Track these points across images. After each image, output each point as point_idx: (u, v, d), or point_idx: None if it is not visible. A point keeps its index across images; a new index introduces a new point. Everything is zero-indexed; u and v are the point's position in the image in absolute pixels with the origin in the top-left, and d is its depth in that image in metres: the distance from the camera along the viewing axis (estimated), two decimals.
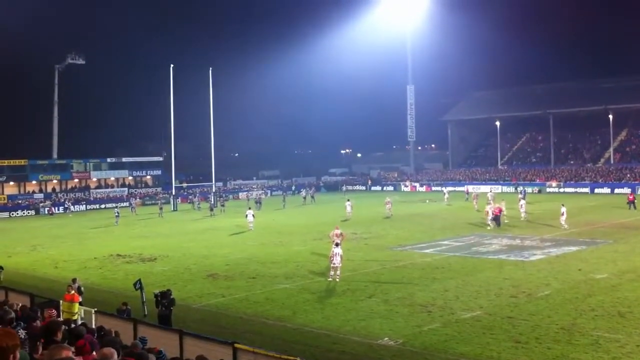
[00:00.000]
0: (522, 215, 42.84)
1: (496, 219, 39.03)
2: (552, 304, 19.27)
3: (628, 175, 70.63)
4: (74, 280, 19.84)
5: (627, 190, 65.43)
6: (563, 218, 37.35)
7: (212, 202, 60.26)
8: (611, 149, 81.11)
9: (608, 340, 15.47)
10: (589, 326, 16.74)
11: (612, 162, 79.07)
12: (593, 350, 14.74)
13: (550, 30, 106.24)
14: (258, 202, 61.78)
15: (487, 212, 40.00)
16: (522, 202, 44.62)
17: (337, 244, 24.67)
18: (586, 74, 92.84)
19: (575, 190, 70.30)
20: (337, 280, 23.62)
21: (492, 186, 74.91)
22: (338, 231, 29.14)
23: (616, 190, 67.22)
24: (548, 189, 71.91)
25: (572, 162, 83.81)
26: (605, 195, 65.71)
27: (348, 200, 50.85)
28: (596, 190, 68.75)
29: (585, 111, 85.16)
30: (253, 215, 43.36)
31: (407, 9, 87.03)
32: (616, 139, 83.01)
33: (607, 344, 15.19)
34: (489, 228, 38.37)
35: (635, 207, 47.52)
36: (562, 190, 71.15)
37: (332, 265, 23.99)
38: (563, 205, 38.90)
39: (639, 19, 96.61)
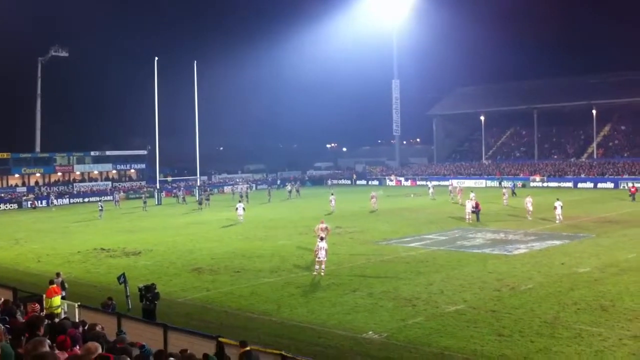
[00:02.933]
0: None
1: (476, 213, 39.22)
2: (535, 297, 19.41)
3: (611, 170, 71.30)
4: (57, 275, 19.69)
5: (609, 185, 66.61)
6: (557, 212, 37.37)
7: (199, 197, 60.03)
8: (594, 144, 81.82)
9: (590, 333, 15.60)
10: (571, 319, 16.88)
11: (595, 157, 79.79)
12: (575, 344, 14.86)
13: (535, 27, 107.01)
14: (244, 195, 61.59)
15: (466, 205, 40.14)
16: (505, 195, 45.26)
17: (322, 238, 24.68)
18: (570, 70, 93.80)
19: (559, 184, 71.08)
20: (322, 274, 23.63)
21: (477, 180, 75.70)
22: (323, 225, 29.21)
23: (599, 185, 67.96)
24: (532, 184, 72.45)
25: (555, 156, 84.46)
26: (589, 189, 66.33)
27: (332, 194, 50.90)
28: (579, 185, 69.42)
29: (569, 106, 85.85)
30: (243, 208, 43.46)
31: (393, 4, 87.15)
32: (599, 134, 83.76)
33: (589, 337, 15.31)
34: (468, 221, 38.61)
35: (634, 199, 49.58)
36: (545, 184, 71.74)
37: (317, 259, 23.97)
38: (558, 199, 38.80)
39: (622, 16, 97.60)
